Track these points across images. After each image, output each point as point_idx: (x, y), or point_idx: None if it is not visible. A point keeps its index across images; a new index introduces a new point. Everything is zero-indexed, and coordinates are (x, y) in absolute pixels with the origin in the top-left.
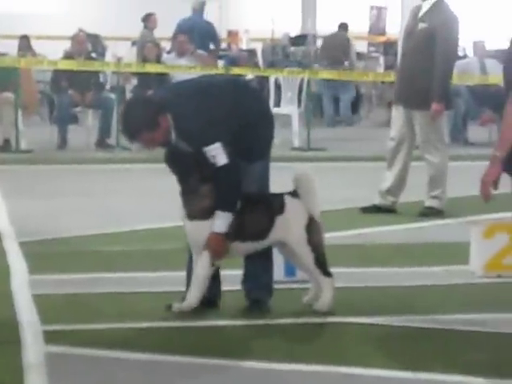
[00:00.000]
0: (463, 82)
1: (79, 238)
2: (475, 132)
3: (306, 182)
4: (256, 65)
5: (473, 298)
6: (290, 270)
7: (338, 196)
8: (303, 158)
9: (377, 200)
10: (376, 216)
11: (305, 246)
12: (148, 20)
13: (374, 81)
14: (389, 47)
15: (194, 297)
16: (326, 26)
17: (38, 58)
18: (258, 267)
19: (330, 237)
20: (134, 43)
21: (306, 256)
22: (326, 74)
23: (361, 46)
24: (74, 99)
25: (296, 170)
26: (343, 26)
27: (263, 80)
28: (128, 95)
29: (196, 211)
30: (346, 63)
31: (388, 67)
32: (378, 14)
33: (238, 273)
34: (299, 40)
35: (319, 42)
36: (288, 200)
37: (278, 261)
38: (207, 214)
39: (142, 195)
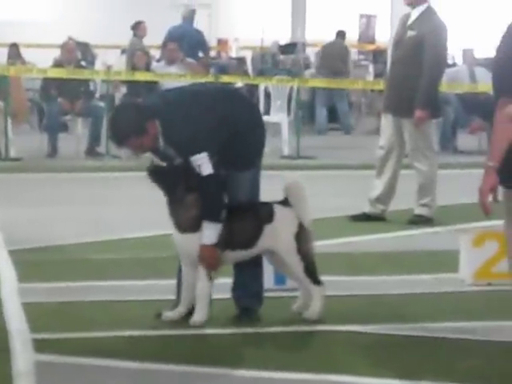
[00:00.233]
0: (452, 90)
1: (69, 246)
2: (464, 140)
3: (297, 190)
4: (245, 73)
5: (462, 306)
6: (279, 279)
7: (327, 204)
8: (293, 166)
9: (366, 208)
10: (366, 224)
11: (294, 255)
12: (137, 28)
13: (363, 89)
14: (378, 55)
15: (201, 313)
16: (315, 34)
17: (28, 66)
18: (247, 275)
19: (319, 245)
20: (123, 51)
21: (296, 265)
22: (316, 82)
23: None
24: (63, 107)
25: (286, 179)
26: (341, 34)
27: (253, 88)
28: (117, 103)
29: (184, 222)
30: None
31: (377, 75)
32: (368, 22)
33: (228, 281)
34: (289, 48)
35: (308, 50)
36: (277, 209)
37: (268, 269)
38: (196, 227)
39: (132, 203)
